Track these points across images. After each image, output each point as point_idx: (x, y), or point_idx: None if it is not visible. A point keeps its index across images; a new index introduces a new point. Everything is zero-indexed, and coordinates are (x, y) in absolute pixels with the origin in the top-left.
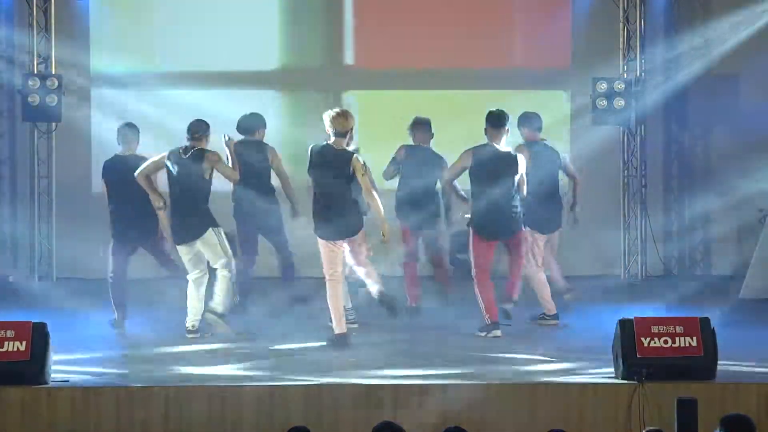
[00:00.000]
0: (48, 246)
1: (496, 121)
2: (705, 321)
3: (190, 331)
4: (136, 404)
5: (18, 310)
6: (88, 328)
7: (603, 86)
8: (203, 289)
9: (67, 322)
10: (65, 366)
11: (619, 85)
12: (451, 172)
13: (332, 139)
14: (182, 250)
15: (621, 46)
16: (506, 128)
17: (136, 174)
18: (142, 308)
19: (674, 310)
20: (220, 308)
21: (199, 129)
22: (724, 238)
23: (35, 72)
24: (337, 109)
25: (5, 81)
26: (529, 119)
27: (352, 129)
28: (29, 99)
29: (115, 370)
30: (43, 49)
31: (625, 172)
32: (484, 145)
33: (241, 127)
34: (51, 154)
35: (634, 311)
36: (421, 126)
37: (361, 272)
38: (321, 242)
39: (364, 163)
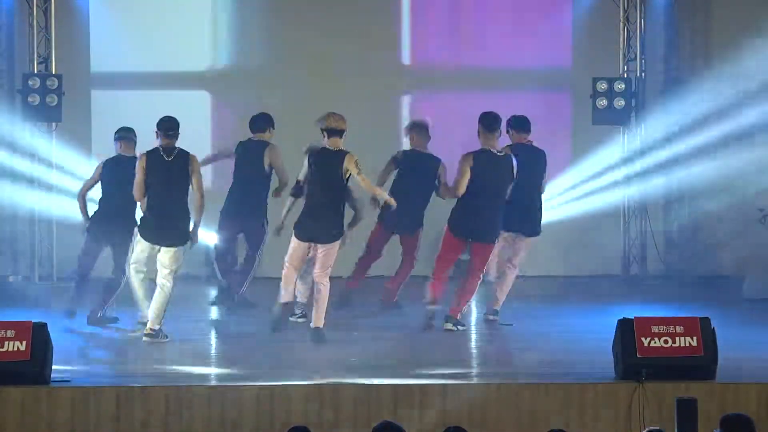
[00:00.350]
0: (48, 246)
1: (489, 123)
2: (705, 321)
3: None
4: (136, 404)
5: (18, 310)
6: (89, 328)
7: (603, 86)
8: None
9: (67, 322)
10: (65, 366)
11: (620, 85)
12: (461, 184)
13: (328, 139)
14: (147, 247)
15: (621, 46)
16: (500, 131)
17: (136, 198)
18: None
19: (674, 309)
20: (157, 325)
21: (174, 126)
22: (725, 237)
23: (35, 72)
24: (330, 111)
25: (5, 81)
26: (517, 122)
27: (345, 130)
28: (29, 99)
29: (114, 369)
30: (43, 48)
31: (626, 171)
32: (483, 150)
33: (252, 127)
34: (51, 155)
35: (634, 311)
36: (418, 129)
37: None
38: (296, 240)
39: (357, 161)
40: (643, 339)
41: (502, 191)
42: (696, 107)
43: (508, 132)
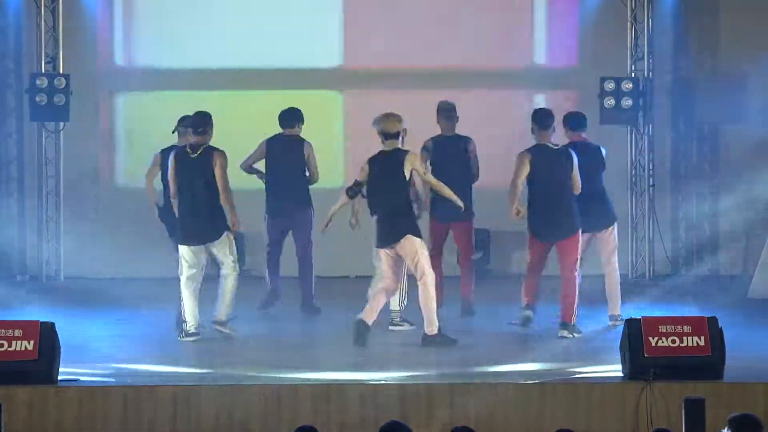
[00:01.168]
0: (56, 246)
1: (542, 120)
2: (713, 320)
3: (191, 334)
4: (143, 404)
5: (26, 309)
6: (96, 328)
7: (611, 85)
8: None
9: (74, 322)
10: (73, 365)
11: (627, 85)
12: (517, 182)
13: (385, 141)
14: (189, 249)
15: (629, 45)
16: (553, 127)
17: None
18: (150, 307)
19: (682, 309)
20: (224, 317)
21: (203, 123)
22: (732, 237)
23: (43, 71)
24: (384, 113)
25: (13, 80)
26: (571, 120)
27: (404, 131)
28: (37, 98)
29: (122, 369)
30: (51, 48)
31: (633, 171)
32: (538, 145)
33: (282, 122)
34: (59, 154)
35: (641, 311)
36: (443, 113)
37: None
38: (381, 252)
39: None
40: (650, 339)
41: (566, 183)
42: (704, 106)
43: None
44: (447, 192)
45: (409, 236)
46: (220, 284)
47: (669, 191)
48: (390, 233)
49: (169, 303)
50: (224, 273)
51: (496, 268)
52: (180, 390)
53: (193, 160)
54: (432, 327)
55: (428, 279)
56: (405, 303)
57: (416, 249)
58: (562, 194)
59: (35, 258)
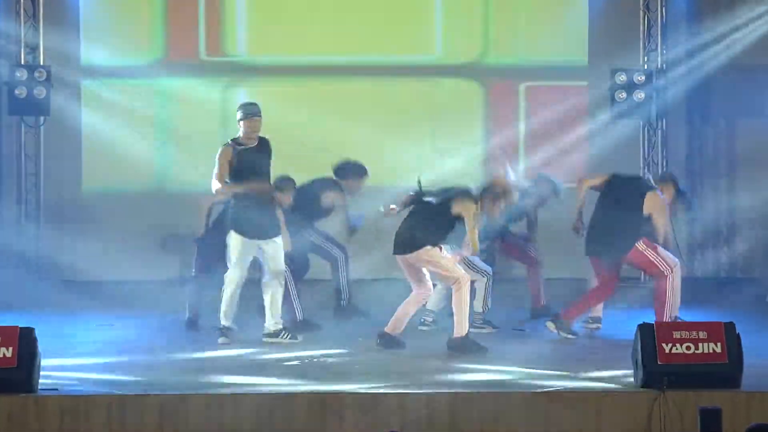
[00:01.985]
0: (35, 247)
1: None
2: (730, 326)
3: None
4: (128, 413)
5: (4, 313)
6: (77, 333)
7: (622, 78)
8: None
9: (54, 326)
10: (54, 373)
11: (639, 77)
12: (579, 190)
13: None
14: (242, 243)
15: (641, 36)
16: None
17: (219, 187)
18: (135, 311)
19: (697, 314)
20: (273, 327)
21: (258, 112)
22: (750, 238)
23: (22, 63)
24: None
25: None
26: None
27: None
28: (16, 91)
29: (106, 377)
30: (31, 38)
31: (646, 168)
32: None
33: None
34: (39, 150)
35: (655, 316)
36: None
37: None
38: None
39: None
40: (664, 345)
41: (632, 196)
42: (720, 99)
43: None
44: (471, 230)
45: (427, 248)
46: (272, 289)
47: (684, 190)
48: (403, 244)
49: (153, 307)
50: (266, 281)
51: (501, 271)
52: (167, 399)
53: (251, 150)
54: (461, 330)
55: (462, 284)
56: (489, 305)
57: (430, 258)
58: (614, 210)
59: (14, 259)
